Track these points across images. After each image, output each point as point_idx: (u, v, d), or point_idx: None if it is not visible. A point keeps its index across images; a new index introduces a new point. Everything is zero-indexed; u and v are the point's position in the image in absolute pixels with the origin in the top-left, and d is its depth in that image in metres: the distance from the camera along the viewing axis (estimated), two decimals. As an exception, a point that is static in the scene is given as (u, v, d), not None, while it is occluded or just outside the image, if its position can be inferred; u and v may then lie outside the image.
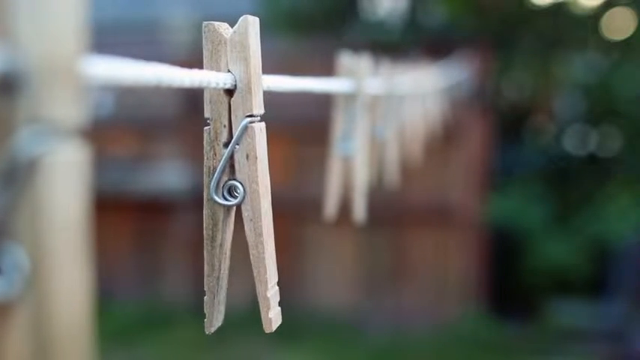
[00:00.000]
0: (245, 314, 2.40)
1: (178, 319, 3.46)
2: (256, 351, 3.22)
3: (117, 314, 3.48)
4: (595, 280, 3.51)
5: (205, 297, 0.56)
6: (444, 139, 2.75)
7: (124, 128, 3.76)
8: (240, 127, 0.53)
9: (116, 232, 3.78)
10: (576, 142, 3.82)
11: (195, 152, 3.51)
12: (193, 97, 3.48)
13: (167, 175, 3.67)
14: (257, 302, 0.54)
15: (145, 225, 3.80)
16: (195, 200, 3.49)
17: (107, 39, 3.33)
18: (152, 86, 0.43)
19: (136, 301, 3.70)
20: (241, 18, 0.53)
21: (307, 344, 3.23)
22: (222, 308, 0.57)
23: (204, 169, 0.54)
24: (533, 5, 3.67)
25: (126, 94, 3.43)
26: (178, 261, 3.72)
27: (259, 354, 3.22)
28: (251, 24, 0.53)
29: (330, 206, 0.96)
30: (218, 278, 0.55)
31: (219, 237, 0.55)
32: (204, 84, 0.50)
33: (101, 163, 3.54)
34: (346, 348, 3.29)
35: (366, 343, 3.33)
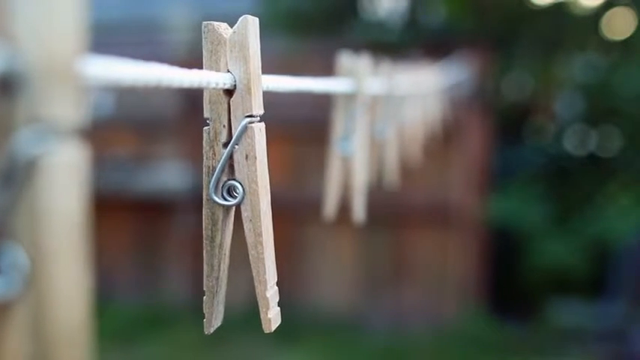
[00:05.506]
0: (244, 314, 2.40)
1: (178, 319, 3.46)
2: (255, 351, 3.22)
3: (116, 314, 3.48)
4: (595, 280, 3.51)
5: (205, 297, 0.56)
6: (444, 139, 2.75)
7: (123, 128, 3.76)
8: (239, 128, 0.53)
9: (115, 232, 3.78)
10: (576, 142, 3.82)
11: (194, 152, 3.51)
12: (193, 97, 3.48)
13: (167, 175, 3.67)
14: (256, 302, 0.54)
15: (144, 225, 3.80)
16: (194, 200, 3.49)
17: (106, 39, 3.33)
18: (152, 86, 0.43)
19: (135, 301, 3.70)
20: (241, 18, 0.53)
21: (307, 344, 3.23)
22: (221, 308, 0.57)
23: (204, 169, 0.54)
24: (533, 5, 3.67)
25: (126, 94, 3.43)
26: (178, 261, 3.72)
27: (258, 354, 3.22)
28: (251, 24, 0.53)
29: (330, 206, 0.96)
30: (217, 278, 0.55)
31: (218, 237, 0.55)
32: (204, 84, 0.50)
33: (101, 163, 3.54)
34: (346, 348, 3.29)
35: (366, 343, 3.33)
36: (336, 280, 3.62)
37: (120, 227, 3.79)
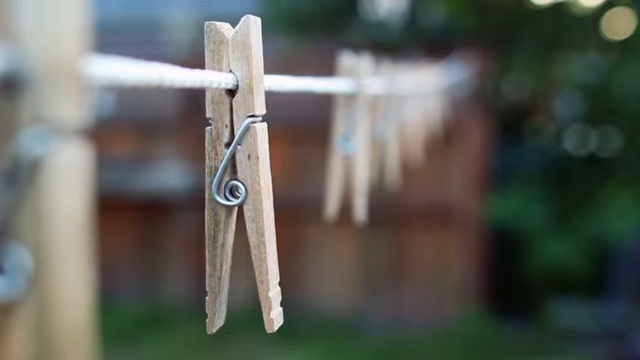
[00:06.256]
0: (246, 314, 2.40)
1: (179, 319, 3.46)
2: (257, 351, 3.22)
3: (118, 314, 3.48)
4: (595, 280, 3.51)
5: (207, 297, 0.56)
6: (444, 139, 2.75)
7: (124, 128, 3.76)
8: (241, 128, 0.53)
9: (117, 232, 3.78)
10: (576, 142, 3.82)
11: (195, 152, 3.51)
12: (194, 97, 3.48)
13: (167, 175, 3.67)
14: (258, 302, 0.54)
15: (145, 225, 3.80)
16: (195, 200, 3.49)
17: (107, 39, 3.33)
18: (154, 86, 0.43)
19: (136, 300, 3.70)
20: (243, 18, 0.53)
21: (307, 344, 3.23)
22: (223, 308, 0.57)
23: (206, 170, 0.54)
24: (534, 5, 3.67)
25: (126, 94, 3.43)
26: (179, 261, 3.72)
27: (260, 354, 3.22)
28: (253, 24, 0.53)
29: (331, 206, 0.96)
30: (220, 278, 0.55)
31: (220, 237, 0.55)
32: (206, 84, 0.50)
33: (102, 163, 3.54)
34: (346, 348, 3.29)
35: (366, 343, 3.33)
36: (336, 280, 3.62)
37: (120, 227, 3.79)
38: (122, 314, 3.52)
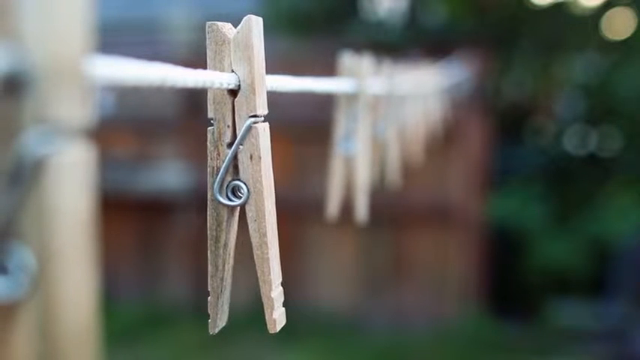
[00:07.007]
0: (248, 314, 2.40)
1: (180, 319, 3.46)
2: (257, 351, 3.22)
3: (119, 314, 3.48)
4: (595, 280, 3.51)
5: (209, 297, 0.56)
6: (445, 139, 2.75)
7: (125, 128, 3.75)
8: (243, 128, 0.53)
9: (118, 233, 3.77)
10: (576, 142, 3.82)
11: (196, 152, 3.51)
12: (194, 97, 3.48)
13: (168, 176, 3.66)
14: (260, 302, 0.54)
15: (146, 225, 3.80)
16: (196, 200, 3.49)
17: (107, 39, 3.33)
18: (156, 86, 0.43)
19: (137, 301, 3.70)
20: (245, 18, 0.53)
21: (308, 344, 3.23)
22: (226, 308, 0.57)
23: (208, 170, 0.54)
24: (533, 5, 3.67)
25: (127, 94, 3.43)
26: (180, 261, 3.72)
27: (260, 353, 3.22)
28: (254, 24, 0.53)
29: (332, 206, 0.96)
30: (222, 279, 0.55)
31: (223, 237, 0.55)
32: (208, 84, 0.50)
33: (102, 163, 3.53)
34: (346, 348, 3.29)
35: (366, 343, 3.33)
36: (336, 280, 3.62)
37: (120, 227, 3.79)
38: (122, 314, 3.51)
